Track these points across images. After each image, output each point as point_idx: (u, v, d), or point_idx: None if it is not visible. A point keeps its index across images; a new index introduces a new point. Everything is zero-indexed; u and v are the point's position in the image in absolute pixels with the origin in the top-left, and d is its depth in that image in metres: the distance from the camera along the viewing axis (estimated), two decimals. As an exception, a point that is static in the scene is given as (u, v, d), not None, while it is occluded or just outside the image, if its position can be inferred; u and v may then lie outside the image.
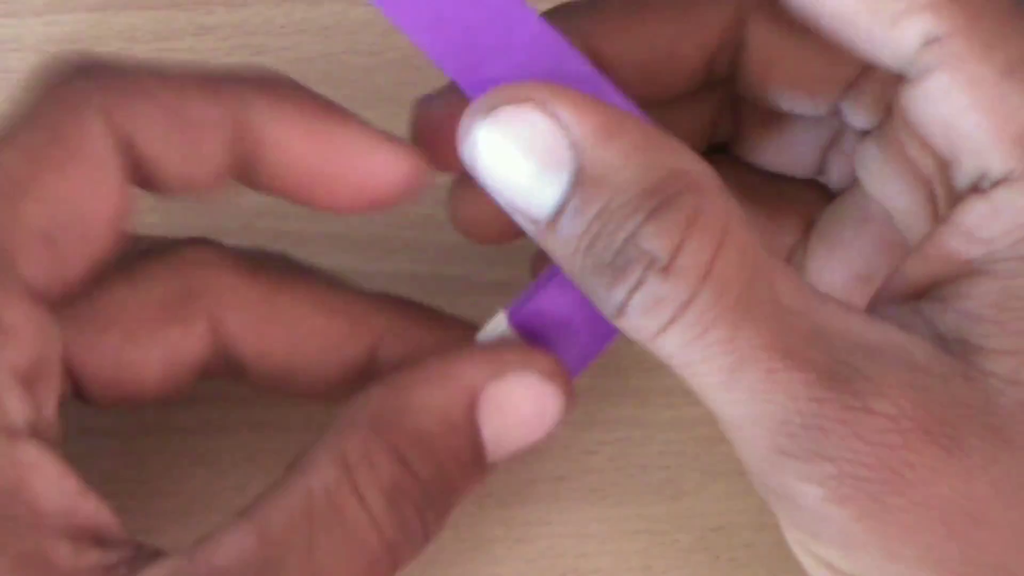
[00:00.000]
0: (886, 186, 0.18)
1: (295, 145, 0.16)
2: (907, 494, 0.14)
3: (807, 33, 0.16)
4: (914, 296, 0.16)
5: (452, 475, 0.16)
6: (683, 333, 0.14)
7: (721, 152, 0.20)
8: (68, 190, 0.15)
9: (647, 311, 0.14)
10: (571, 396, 0.17)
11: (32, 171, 0.15)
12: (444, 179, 0.24)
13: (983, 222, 0.15)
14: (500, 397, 0.16)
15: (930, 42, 0.15)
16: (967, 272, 0.15)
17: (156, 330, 0.17)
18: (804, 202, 0.20)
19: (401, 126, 0.25)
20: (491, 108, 0.15)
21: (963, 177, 0.16)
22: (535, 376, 0.16)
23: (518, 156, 0.15)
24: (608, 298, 0.15)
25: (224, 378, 0.19)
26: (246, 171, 0.17)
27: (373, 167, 0.17)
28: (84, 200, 0.15)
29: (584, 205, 0.14)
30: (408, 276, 0.24)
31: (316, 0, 0.25)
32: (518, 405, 0.16)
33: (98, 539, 0.15)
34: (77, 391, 0.18)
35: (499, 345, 0.17)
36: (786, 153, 0.20)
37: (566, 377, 0.17)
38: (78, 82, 0.15)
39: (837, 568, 0.15)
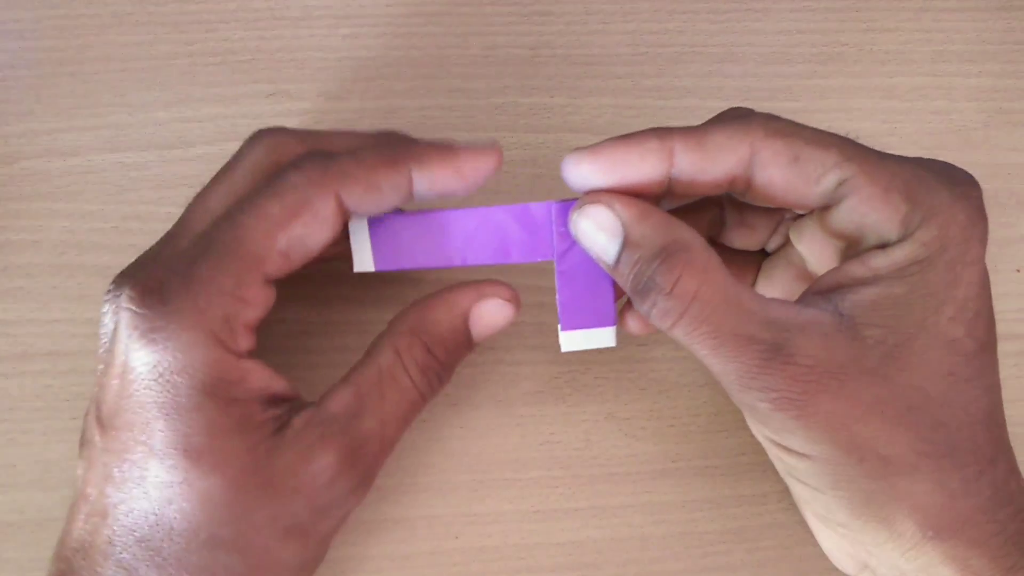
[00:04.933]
0: (811, 245, 0.29)
1: (436, 173, 0.27)
2: (817, 406, 0.24)
3: (788, 168, 0.26)
4: (829, 291, 0.26)
5: (455, 354, 0.28)
6: (683, 328, 0.24)
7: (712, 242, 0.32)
8: (303, 230, 0.26)
9: (659, 318, 0.25)
10: (517, 305, 0.28)
11: (287, 218, 0.25)
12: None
13: (877, 260, 0.25)
14: (481, 310, 0.27)
15: (841, 184, 0.25)
16: (862, 283, 0.25)
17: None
18: (757, 259, 0.32)
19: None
20: (582, 206, 0.26)
21: (869, 243, 0.26)
22: (497, 298, 0.28)
23: (596, 230, 0.25)
24: (641, 308, 0.25)
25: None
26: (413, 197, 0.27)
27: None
28: (310, 235, 0.26)
29: (628, 256, 0.25)
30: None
31: None
32: (490, 313, 0.28)
33: (280, 399, 0.26)
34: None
35: (483, 284, 0.28)
36: (749, 240, 0.31)
37: (514, 295, 0.28)
38: (317, 168, 0.26)
39: (776, 442, 0.26)
